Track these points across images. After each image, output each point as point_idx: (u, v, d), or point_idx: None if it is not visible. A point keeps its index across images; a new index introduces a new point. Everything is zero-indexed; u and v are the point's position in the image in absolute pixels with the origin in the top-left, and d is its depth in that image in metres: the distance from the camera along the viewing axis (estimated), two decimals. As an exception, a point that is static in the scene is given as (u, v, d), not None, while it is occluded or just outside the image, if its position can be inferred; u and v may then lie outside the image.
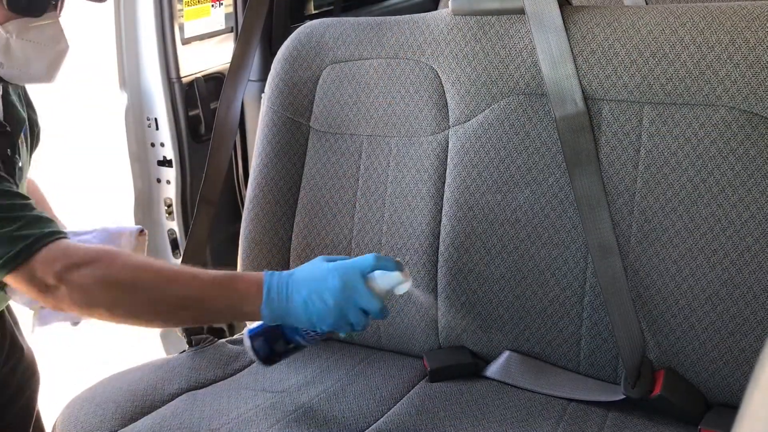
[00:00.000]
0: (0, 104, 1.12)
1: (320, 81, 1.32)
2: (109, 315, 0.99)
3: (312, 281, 0.98)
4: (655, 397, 1.07)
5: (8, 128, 1.10)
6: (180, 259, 1.44)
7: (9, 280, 0.97)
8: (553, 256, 1.16)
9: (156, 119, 1.74)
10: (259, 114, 1.37)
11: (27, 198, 1.01)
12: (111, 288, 0.97)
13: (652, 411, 1.09)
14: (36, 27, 1.03)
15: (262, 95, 1.36)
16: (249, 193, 1.35)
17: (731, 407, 1.07)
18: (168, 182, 1.79)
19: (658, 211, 1.09)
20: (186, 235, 1.62)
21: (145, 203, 1.82)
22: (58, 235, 0.98)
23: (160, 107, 1.73)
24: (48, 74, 1.08)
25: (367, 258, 1.00)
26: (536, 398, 1.14)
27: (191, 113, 1.78)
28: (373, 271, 0.99)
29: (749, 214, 1.04)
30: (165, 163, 1.78)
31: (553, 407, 1.11)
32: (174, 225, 1.81)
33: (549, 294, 1.16)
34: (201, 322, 1.12)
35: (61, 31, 1.06)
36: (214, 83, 1.81)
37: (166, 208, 1.80)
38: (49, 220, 0.99)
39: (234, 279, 1.01)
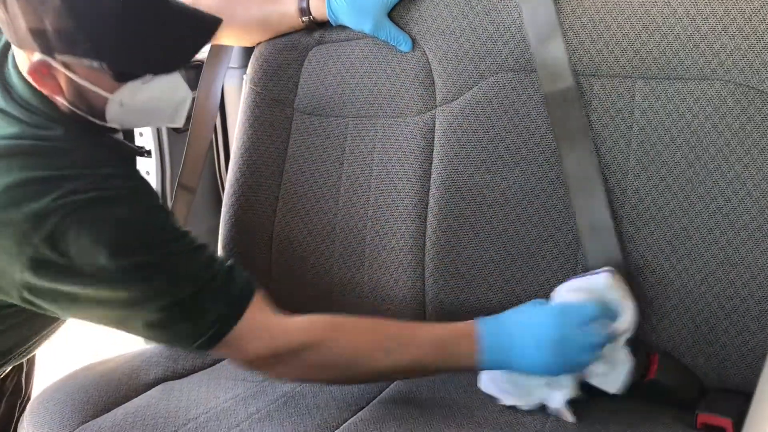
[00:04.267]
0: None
1: (306, 62, 1.28)
2: (326, 383, 1.06)
3: (527, 328, 0.95)
4: (650, 382, 1.03)
5: (140, 149, 1.07)
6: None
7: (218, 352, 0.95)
8: (543, 237, 1.12)
9: (135, 108, 1.69)
10: (241, 97, 1.33)
11: (206, 246, 0.96)
12: (328, 370, 0.97)
13: (646, 396, 1.05)
14: (148, 85, 0.94)
15: (244, 76, 1.32)
16: (230, 178, 1.30)
17: (728, 391, 1.03)
18: (147, 173, 1.73)
19: (652, 189, 1.05)
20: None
21: (124, 195, 1.77)
22: (253, 291, 0.96)
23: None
24: (172, 121, 1.03)
25: (589, 307, 0.95)
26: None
27: (171, 102, 1.73)
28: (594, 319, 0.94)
29: (746, 191, 1.01)
30: (144, 153, 1.72)
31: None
32: (154, 217, 1.76)
33: (540, 277, 1.12)
34: (413, 377, 1.10)
35: (177, 80, 0.98)
36: (195, 72, 1.76)
37: (145, 199, 1.75)
38: (235, 278, 0.96)
39: (451, 338, 0.97)
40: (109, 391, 1.06)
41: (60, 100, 0.94)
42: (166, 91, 0.97)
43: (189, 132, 1.37)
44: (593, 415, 1.02)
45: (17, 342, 1.04)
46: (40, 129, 0.93)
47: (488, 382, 1.05)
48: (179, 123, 1.04)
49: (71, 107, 0.94)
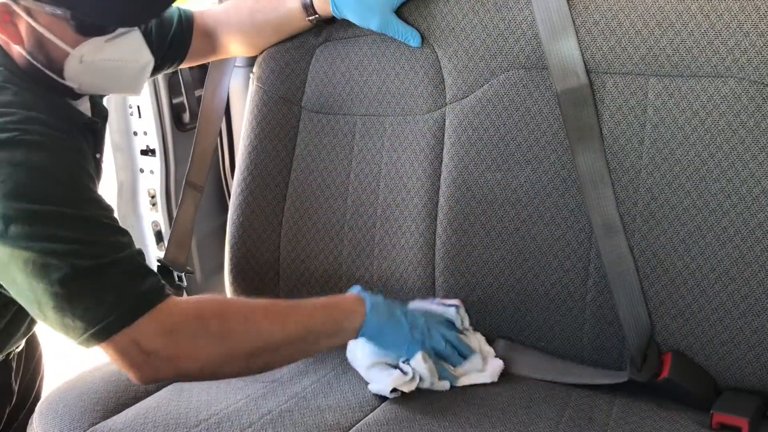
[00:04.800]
0: (87, 98, 1.05)
1: (313, 60, 1.27)
2: (219, 369, 0.91)
3: (403, 309, 1.05)
4: (663, 381, 1.02)
5: (99, 124, 1.04)
6: (164, 250, 1.38)
7: (104, 347, 0.85)
8: (555, 236, 1.11)
9: (138, 107, 1.68)
10: (248, 95, 1.32)
11: (126, 232, 0.89)
12: (223, 344, 0.89)
13: (661, 396, 1.04)
14: (112, 44, 0.92)
15: (251, 75, 1.31)
16: (237, 177, 1.30)
17: (743, 391, 1.02)
18: (151, 172, 1.72)
19: (665, 187, 1.05)
20: (171, 226, 1.57)
21: (128, 194, 1.76)
22: (166, 290, 0.89)
23: (142, 95, 1.66)
24: (132, 89, 1.00)
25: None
26: (538, 385, 1.09)
27: (175, 101, 1.71)
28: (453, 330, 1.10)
29: (760, 189, 1.00)
30: (148, 152, 1.72)
31: (557, 394, 1.07)
32: (158, 216, 1.74)
33: (551, 276, 1.11)
34: (308, 354, 1.05)
35: (142, 43, 0.95)
36: (199, 70, 1.75)
37: (149, 199, 1.74)
38: (151, 272, 0.89)
39: (334, 299, 1.02)
40: (119, 393, 1.05)
41: (17, 50, 0.91)
42: (129, 52, 0.94)
43: (196, 130, 1.37)
44: (606, 413, 1.01)
45: None
46: None
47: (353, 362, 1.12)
48: (138, 92, 1.02)
49: (30, 59, 0.91)
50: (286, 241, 1.26)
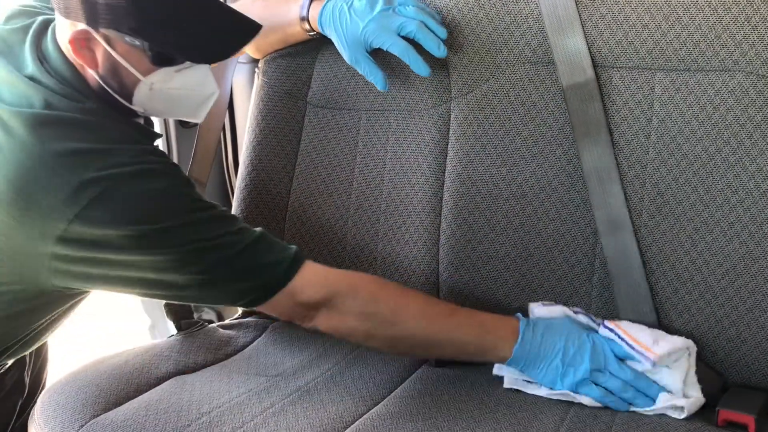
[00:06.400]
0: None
1: (319, 55, 1.26)
2: (363, 342, 1.05)
3: (566, 329, 1.01)
4: (669, 378, 1.02)
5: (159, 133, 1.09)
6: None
7: (268, 306, 0.99)
8: (561, 232, 1.10)
9: (142, 104, 1.68)
10: (252, 90, 1.31)
11: (242, 220, 1.02)
12: (367, 321, 1.00)
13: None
14: (181, 74, 0.97)
15: (256, 69, 1.31)
16: (241, 172, 1.29)
17: (750, 388, 1.01)
18: (155, 169, 1.72)
19: (672, 183, 1.04)
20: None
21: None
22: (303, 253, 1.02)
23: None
24: (194, 115, 1.05)
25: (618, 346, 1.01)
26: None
27: (179, 98, 1.72)
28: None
29: (768, 184, 0.99)
30: (161, 135, 1.71)
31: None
32: (161, 214, 1.74)
33: (557, 272, 1.11)
34: (449, 357, 1.09)
35: (208, 75, 1.01)
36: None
37: (153, 196, 1.74)
38: (283, 242, 1.02)
39: (490, 320, 1.03)
40: (121, 385, 1.04)
41: (92, 74, 0.96)
42: (197, 83, 1.00)
43: (199, 126, 1.36)
44: (612, 411, 1.00)
45: (12, 334, 1.04)
46: (71, 101, 0.94)
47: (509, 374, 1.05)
48: (200, 118, 1.07)
49: (102, 82, 0.96)
50: (290, 235, 1.26)
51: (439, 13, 1.15)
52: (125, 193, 0.90)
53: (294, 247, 1.01)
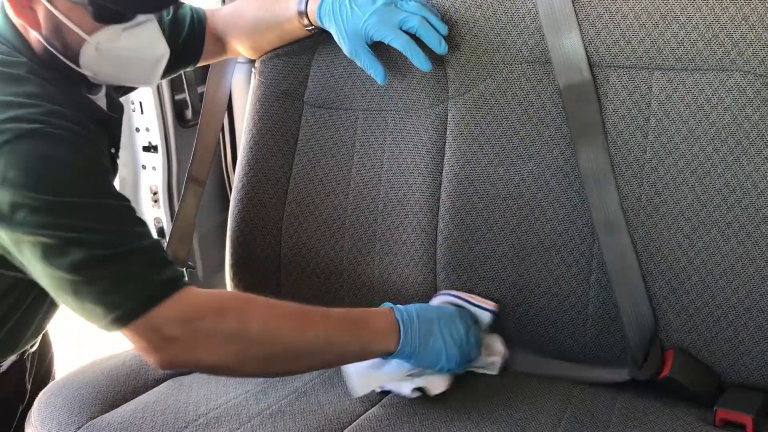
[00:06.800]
0: (103, 90, 1.05)
1: (315, 55, 1.26)
2: (235, 369, 0.91)
3: (440, 320, 1.01)
4: (664, 379, 1.02)
5: (116, 118, 1.04)
6: (166, 245, 1.37)
7: (125, 332, 0.86)
8: (558, 232, 1.10)
9: (141, 103, 1.68)
10: (249, 90, 1.31)
11: (144, 223, 0.91)
12: (238, 342, 0.88)
13: (663, 393, 1.03)
14: (129, 33, 0.93)
15: (253, 69, 1.30)
16: (238, 172, 1.29)
17: (748, 388, 1.01)
18: (153, 168, 1.72)
19: (669, 182, 1.04)
20: (173, 221, 1.56)
21: (131, 191, 1.75)
22: (184, 279, 0.90)
23: (144, 91, 1.66)
24: (146, 80, 1.01)
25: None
26: (540, 381, 1.08)
27: (177, 97, 1.71)
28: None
29: (766, 183, 0.99)
30: (150, 148, 1.71)
31: (559, 390, 1.06)
32: (160, 213, 1.74)
33: (554, 272, 1.10)
34: (331, 365, 1.04)
35: (158, 35, 0.97)
36: (201, 66, 1.75)
37: (151, 195, 1.74)
38: (170, 261, 0.90)
39: (366, 316, 0.98)
40: (118, 387, 1.04)
41: (34, 35, 0.92)
42: (146, 43, 0.96)
43: (198, 125, 1.37)
44: (609, 409, 1.00)
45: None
46: (5, 56, 0.90)
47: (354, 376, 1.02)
48: (153, 83, 1.02)
49: (45, 44, 0.92)
50: (287, 236, 1.26)
51: (438, 11, 1.15)
52: (8, 150, 0.81)
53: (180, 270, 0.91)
